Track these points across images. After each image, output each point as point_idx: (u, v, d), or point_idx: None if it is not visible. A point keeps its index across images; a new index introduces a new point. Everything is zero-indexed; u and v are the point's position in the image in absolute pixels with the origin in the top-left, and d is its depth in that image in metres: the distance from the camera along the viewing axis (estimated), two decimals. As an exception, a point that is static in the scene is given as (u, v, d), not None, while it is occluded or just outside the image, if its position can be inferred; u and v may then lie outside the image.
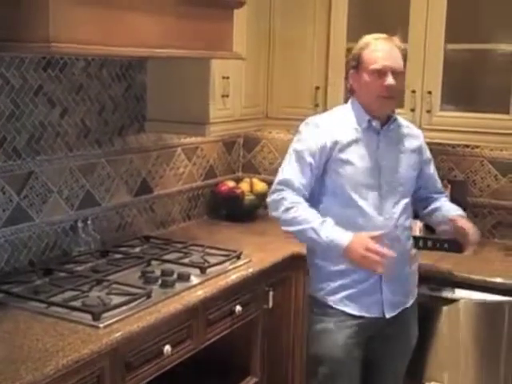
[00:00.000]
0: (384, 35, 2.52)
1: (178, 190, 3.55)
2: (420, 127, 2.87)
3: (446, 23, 3.17)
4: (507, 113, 3.12)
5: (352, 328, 2.54)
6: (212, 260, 2.83)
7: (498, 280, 2.87)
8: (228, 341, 2.75)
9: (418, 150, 2.66)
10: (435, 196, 2.79)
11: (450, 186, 3.27)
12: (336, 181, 2.52)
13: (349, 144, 2.51)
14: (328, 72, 3.46)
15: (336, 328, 2.54)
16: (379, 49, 2.47)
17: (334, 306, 2.55)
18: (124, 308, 2.28)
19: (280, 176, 2.57)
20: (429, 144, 2.76)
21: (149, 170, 3.31)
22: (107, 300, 2.31)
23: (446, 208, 2.75)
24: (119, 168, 3.12)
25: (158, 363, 2.32)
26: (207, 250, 2.96)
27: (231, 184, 3.78)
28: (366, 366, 2.64)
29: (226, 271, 2.77)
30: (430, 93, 3.22)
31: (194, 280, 2.62)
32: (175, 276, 2.61)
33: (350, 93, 2.63)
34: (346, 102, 2.70)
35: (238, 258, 2.92)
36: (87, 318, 2.19)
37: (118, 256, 2.87)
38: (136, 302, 2.34)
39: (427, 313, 2.91)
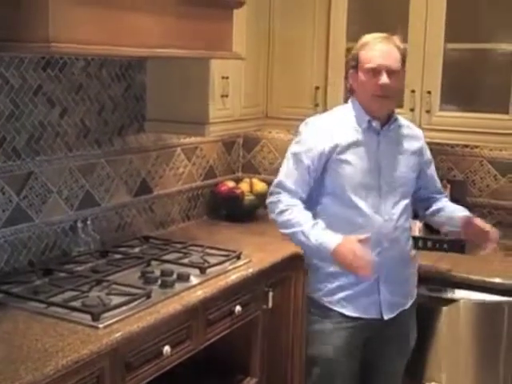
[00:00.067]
0: (384, 34, 2.51)
1: (178, 190, 3.54)
2: (419, 127, 2.87)
3: (446, 23, 3.17)
4: (507, 113, 3.12)
5: (349, 329, 2.53)
6: (212, 260, 2.83)
7: (497, 280, 2.87)
8: (227, 341, 2.75)
9: (419, 151, 2.65)
10: (436, 196, 2.79)
11: (449, 186, 3.27)
12: (335, 180, 2.52)
13: (349, 145, 2.51)
14: (328, 72, 3.46)
15: (333, 329, 2.54)
16: (376, 48, 2.47)
17: (331, 307, 2.55)
18: (124, 308, 2.28)
19: (277, 178, 2.59)
20: (428, 144, 2.76)
21: (148, 170, 3.31)
22: (107, 300, 2.31)
23: (451, 209, 2.74)
24: (119, 168, 3.11)
25: (157, 363, 2.32)
26: (207, 251, 2.96)
27: (231, 184, 3.78)
28: (364, 367, 2.64)
29: (226, 271, 2.77)
30: (429, 93, 3.22)
31: (194, 280, 2.62)
32: (175, 276, 2.61)
33: (350, 93, 2.63)
34: (345, 101, 2.69)
35: (238, 258, 2.92)
36: (87, 318, 2.19)
37: (117, 256, 2.87)
38: (136, 303, 2.34)
39: (426, 313, 2.92)
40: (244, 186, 3.77)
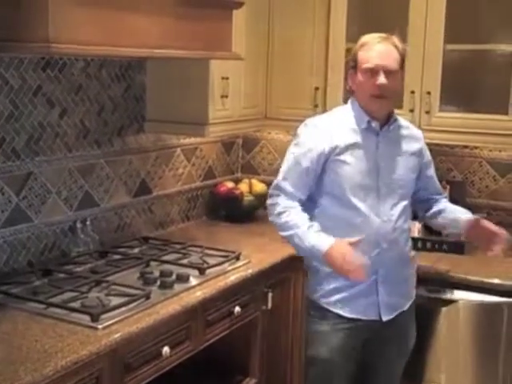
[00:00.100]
0: (383, 35, 2.50)
1: (177, 190, 3.54)
2: (419, 128, 2.86)
3: (446, 24, 3.17)
4: (506, 113, 3.12)
5: (346, 330, 2.53)
6: (211, 261, 2.82)
7: (496, 281, 2.88)
8: (227, 342, 2.75)
9: (419, 153, 2.64)
10: (436, 197, 2.78)
11: (448, 187, 3.27)
12: (334, 182, 2.52)
13: (348, 146, 2.51)
14: (327, 72, 3.46)
15: (330, 330, 2.54)
16: (374, 48, 2.46)
17: (329, 308, 2.55)
18: (123, 309, 2.28)
19: (276, 180, 2.60)
20: (427, 145, 2.75)
21: (148, 171, 3.31)
22: (106, 301, 2.31)
23: (453, 210, 2.73)
24: (118, 169, 3.11)
25: (156, 364, 2.32)
26: (206, 251, 2.96)
27: (230, 185, 3.78)
28: (363, 369, 2.65)
29: (225, 272, 2.77)
30: (429, 93, 3.22)
31: (193, 281, 2.62)
32: (174, 277, 2.61)
33: (349, 93, 2.63)
34: (345, 102, 2.69)
35: (237, 258, 2.92)
36: (86, 319, 2.19)
37: (116, 257, 2.87)
38: (135, 303, 2.34)
39: (426, 314, 2.92)
40: (243, 187, 3.77)
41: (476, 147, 3.48)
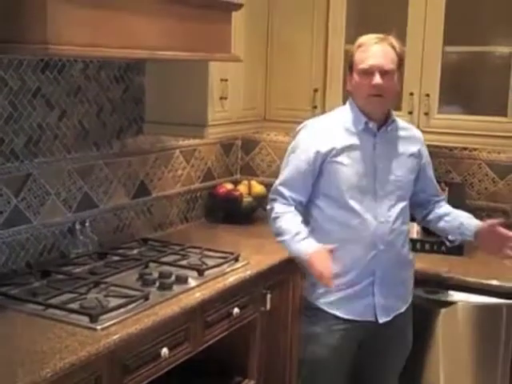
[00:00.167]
0: (380, 35, 2.50)
1: (176, 192, 3.54)
2: (418, 129, 2.87)
3: (445, 26, 3.17)
4: (505, 115, 3.13)
5: (343, 332, 2.53)
6: (210, 262, 2.83)
7: (495, 282, 2.88)
8: (226, 343, 2.75)
9: (417, 154, 2.63)
10: (435, 199, 2.76)
11: (447, 189, 3.27)
12: (331, 183, 2.52)
13: (344, 148, 2.51)
14: (326, 74, 3.46)
15: (325, 331, 2.54)
16: (370, 49, 2.46)
17: (325, 309, 2.55)
18: (122, 310, 2.28)
19: (275, 184, 2.62)
20: (426, 146, 2.76)
21: (147, 173, 3.31)
22: (105, 302, 2.31)
23: (456, 214, 2.69)
24: (117, 170, 3.11)
25: (155, 366, 2.32)
26: (205, 253, 2.96)
27: (229, 186, 3.78)
28: (360, 370, 2.65)
29: (224, 273, 2.77)
30: (428, 95, 3.22)
31: (192, 282, 2.62)
32: (173, 278, 2.61)
33: (348, 94, 2.63)
34: (345, 104, 2.69)
35: (236, 260, 2.92)
36: (85, 320, 2.19)
37: (115, 258, 2.87)
38: (134, 305, 2.34)
39: (424, 315, 2.92)
40: (242, 188, 3.78)
41: (475, 149, 3.49)
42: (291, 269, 3.08)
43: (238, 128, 3.43)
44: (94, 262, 2.79)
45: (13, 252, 2.62)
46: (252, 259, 2.96)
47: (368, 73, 2.44)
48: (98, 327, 2.15)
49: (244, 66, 3.25)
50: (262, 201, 3.59)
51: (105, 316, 2.22)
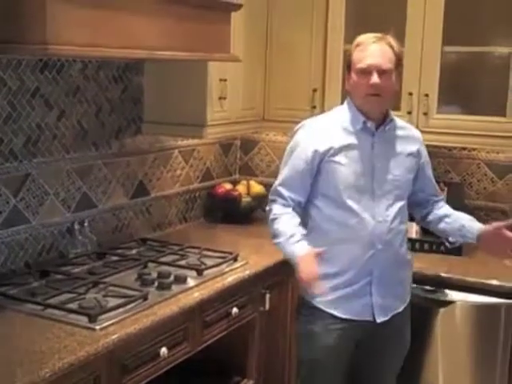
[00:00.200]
0: (378, 34, 2.49)
1: (175, 192, 3.54)
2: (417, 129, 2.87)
3: (444, 25, 3.18)
4: (504, 115, 3.13)
5: (340, 331, 2.53)
6: (209, 262, 2.83)
7: (494, 282, 2.88)
8: (224, 343, 2.75)
9: (416, 153, 2.63)
10: (434, 199, 2.75)
11: (446, 189, 3.27)
12: (329, 182, 2.52)
13: (342, 147, 2.51)
14: (325, 74, 3.47)
15: (322, 330, 2.54)
16: (367, 48, 2.46)
17: (322, 308, 2.54)
18: (120, 310, 2.28)
19: (274, 184, 2.62)
20: (425, 146, 2.76)
21: (145, 173, 3.31)
22: (104, 302, 2.31)
23: (457, 216, 2.67)
24: (116, 170, 3.11)
25: (154, 365, 2.32)
26: (204, 252, 2.96)
27: (228, 186, 3.78)
28: (358, 370, 2.65)
29: (223, 273, 2.77)
30: (426, 95, 3.23)
31: (191, 282, 2.62)
32: (172, 278, 2.61)
33: (347, 94, 2.63)
34: (343, 103, 2.69)
35: (235, 260, 2.92)
36: (84, 320, 2.19)
37: (114, 258, 2.87)
38: (132, 305, 2.34)
39: (423, 315, 2.92)
40: (241, 188, 3.78)
41: (474, 149, 3.49)
42: (290, 269, 3.06)
43: (237, 128, 3.43)
44: (92, 262, 2.79)
45: (12, 252, 2.62)
46: (251, 259, 2.97)
47: (366, 72, 2.44)
48: (97, 327, 2.15)
49: (243, 66, 3.25)
50: (260, 201, 3.60)
51: (103, 316, 2.22)
